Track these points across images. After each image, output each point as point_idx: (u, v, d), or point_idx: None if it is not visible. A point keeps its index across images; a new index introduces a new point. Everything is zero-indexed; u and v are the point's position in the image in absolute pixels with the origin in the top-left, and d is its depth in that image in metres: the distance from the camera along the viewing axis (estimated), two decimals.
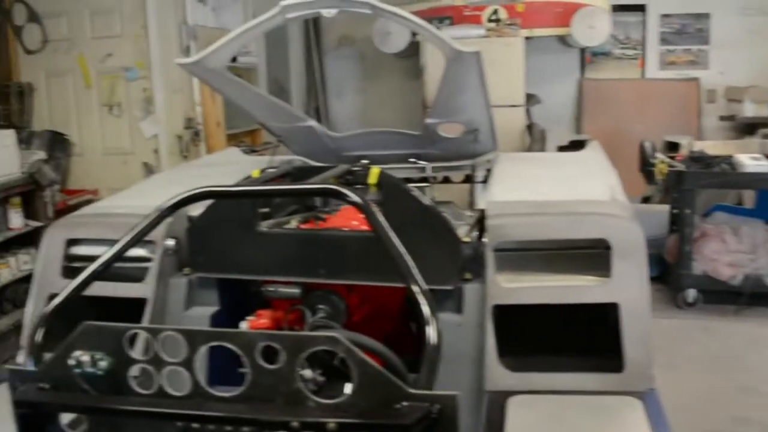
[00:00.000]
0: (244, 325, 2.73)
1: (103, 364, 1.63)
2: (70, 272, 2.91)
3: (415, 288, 1.71)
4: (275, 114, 3.74)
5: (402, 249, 1.80)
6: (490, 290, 2.40)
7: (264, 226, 2.76)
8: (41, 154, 5.75)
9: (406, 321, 2.87)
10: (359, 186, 2.75)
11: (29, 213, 5.42)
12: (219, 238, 2.73)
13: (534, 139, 7.70)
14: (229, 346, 1.57)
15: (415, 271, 1.75)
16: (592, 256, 2.47)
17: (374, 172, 2.58)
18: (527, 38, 7.52)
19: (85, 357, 1.63)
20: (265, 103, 3.63)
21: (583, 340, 2.53)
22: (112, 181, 6.07)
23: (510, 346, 2.49)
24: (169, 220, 2.82)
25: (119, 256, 2.00)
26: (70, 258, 2.91)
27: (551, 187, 2.99)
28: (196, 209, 2.80)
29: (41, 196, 5.44)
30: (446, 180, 4.08)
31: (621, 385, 2.21)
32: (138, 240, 2.04)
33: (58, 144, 6.23)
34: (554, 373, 2.28)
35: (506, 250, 2.54)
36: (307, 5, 2.89)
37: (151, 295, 2.72)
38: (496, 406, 2.16)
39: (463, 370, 2.41)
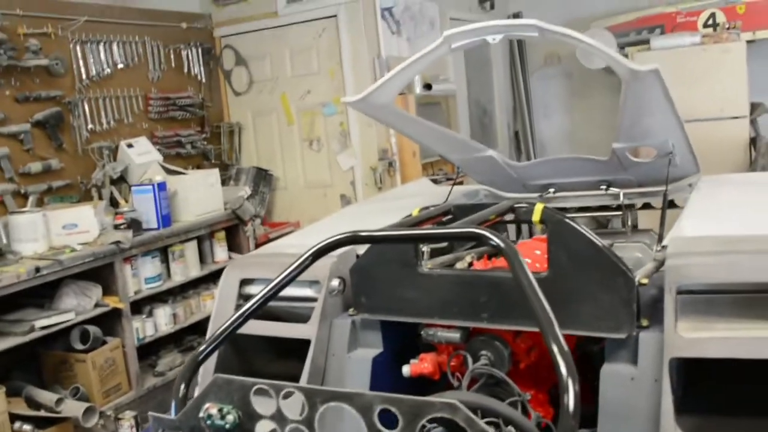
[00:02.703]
0: (406, 369, 2.63)
1: (230, 417, 1.61)
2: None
3: (553, 346, 1.51)
4: (452, 146, 3.64)
5: (544, 302, 1.60)
6: (668, 340, 2.10)
7: (427, 266, 2.64)
8: (246, 190, 6.06)
9: (582, 370, 2.61)
10: (523, 223, 2.57)
11: (232, 246, 5.72)
12: (380, 278, 2.65)
13: (760, 153, 6.99)
14: (347, 407, 1.48)
15: (555, 327, 1.55)
16: None
17: (538, 208, 2.38)
18: (749, 42, 6.86)
19: (214, 410, 1.62)
20: (440, 135, 3.53)
21: None
22: (313, 212, 6.26)
23: (695, 403, 2.18)
24: (333, 260, 2.82)
25: (256, 311, 1.97)
26: (245, 297, 2.96)
27: (756, 219, 2.61)
28: (364, 248, 2.76)
29: (243, 230, 5.72)
30: (646, 206, 3.72)
31: None
32: (277, 293, 2.01)
33: (262, 179, 6.55)
34: None
35: (693, 293, 2.23)
36: (471, 33, 2.76)
37: (313, 336, 2.69)
38: None
39: (636, 430, 2.13)
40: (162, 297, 5.24)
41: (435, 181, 4.72)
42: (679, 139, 3.09)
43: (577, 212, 3.67)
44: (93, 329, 4.46)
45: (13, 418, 4.08)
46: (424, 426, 1.42)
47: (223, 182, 6.47)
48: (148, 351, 5.17)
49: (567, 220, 2.35)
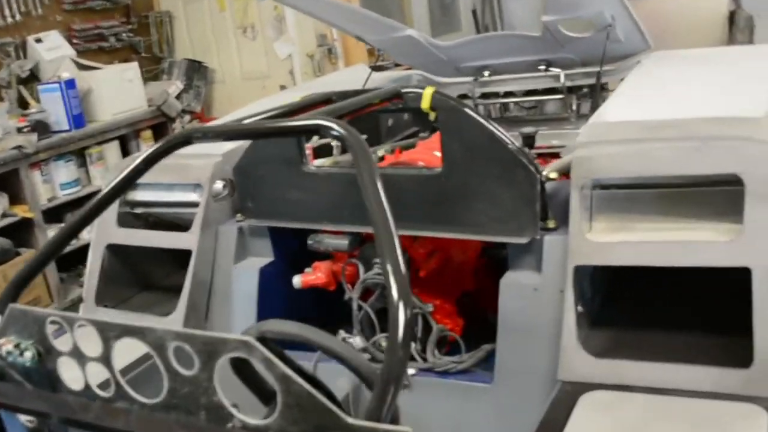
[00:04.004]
0: (296, 280, 2.37)
1: (28, 354, 1.39)
2: (131, 219, 2.67)
3: (387, 264, 1.20)
4: (367, 25, 3.24)
5: (384, 205, 1.29)
6: (573, 245, 1.80)
7: (314, 164, 2.33)
8: (178, 84, 5.65)
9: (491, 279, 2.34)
10: (412, 111, 2.24)
11: None
12: (265, 179, 2.35)
13: (738, 28, 6.54)
14: (142, 344, 1.23)
15: (394, 238, 1.24)
16: (722, 197, 1.79)
17: (426, 93, 2.03)
18: None
19: (10, 345, 1.40)
20: (349, 14, 3.14)
21: (710, 314, 1.89)
22: None
23: (613, 317, 1.91)
24: (217, 159, 2.49)
25: (72, 235, 1.66)
26: (131, 204, 2.65)
27: (691, 101, 2.27)
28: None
29: (172, 127, 5.34)
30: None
31: (745, 386, 1.55)
32: (100, 210, 1.68)
33: (196, 72, 6.11)
34: (652, 362, 1.67)
35: (614, 187, 1.92)
36: None
37: (194, 246, 2.39)
38: (565, 404, 1.61)
39: (536, 349, 1.87)
40: (84, 203, 4.87)
41: (379, 68, 4.31)
42: (618, 10, 2.72)
43: (523, 96, 3.32)
44: (1, 241, 4.14)
45: None
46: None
47: (156, 77, 6.06)
48: (74, 261, 4.86)
49: (460, 107, 2.02)
